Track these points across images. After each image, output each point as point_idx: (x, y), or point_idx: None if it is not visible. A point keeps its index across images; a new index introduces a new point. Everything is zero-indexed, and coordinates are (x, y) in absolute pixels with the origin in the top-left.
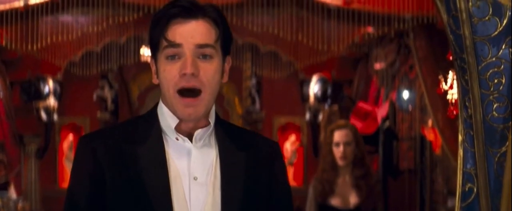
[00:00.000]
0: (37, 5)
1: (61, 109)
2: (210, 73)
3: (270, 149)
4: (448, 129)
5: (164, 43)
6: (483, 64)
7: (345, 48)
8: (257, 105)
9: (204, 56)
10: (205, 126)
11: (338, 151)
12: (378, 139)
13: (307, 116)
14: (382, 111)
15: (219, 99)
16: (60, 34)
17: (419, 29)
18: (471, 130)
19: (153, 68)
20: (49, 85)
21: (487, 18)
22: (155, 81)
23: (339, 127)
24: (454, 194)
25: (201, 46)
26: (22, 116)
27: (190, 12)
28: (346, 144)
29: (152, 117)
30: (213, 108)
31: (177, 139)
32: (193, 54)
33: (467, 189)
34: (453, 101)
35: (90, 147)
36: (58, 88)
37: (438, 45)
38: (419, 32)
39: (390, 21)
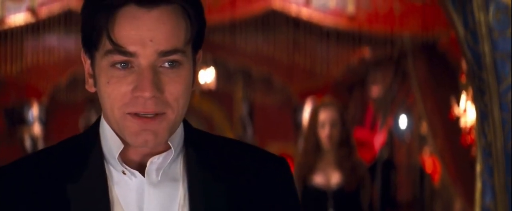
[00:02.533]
0: (19, 26)
1: (47, 135)
2: (178, 88)
3: (273, 173)
4: (448, 157)
5: (108, 45)
6: (504, 85)
7: (342, 72)
8: (249, 132)
9: (171, 64)
10: (164, 150)
11: (323, 133)
12: (375, 169)
13: (301, 145)
14: (379, 139)
15: (209, 125)
16: (42, 55)
17: (418, 51)
18: (490, 160)
19: (88, 70)
20: (34, 111)
21: (508, 32)
22: (91, 89)
23: (325, 105)
24: None
25: (165, 53)
26: (6, 143)
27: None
28: (332, 125)
29: (91, 138)
30: (181, 123)
31: (123, 172)
32: (154, 65)
33: None
34: (467, 127)
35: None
36: (43, 114)
37: (438, 68)
38: (418, 54)
39: (388, 42)
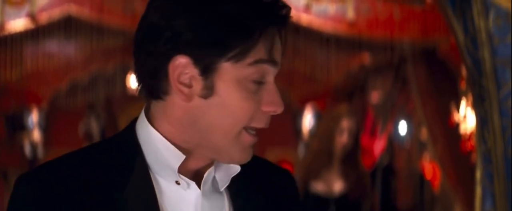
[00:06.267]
0: (19, 32)
1: (46, 141)
2: None
3: (289, 185)
4: (448, 163)
5: (260, 55)
6: (504, 91)
7: (342, 78)
8: None
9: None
10: (209, 160)
11: (341, 139)
12: (375, 175)
13: (301, 150)
14: (379, 145)
15: None
16: (42, 60)
17: (418, 57)
18: (490, 166)
19: (190, 78)
20: (34, 117)
21: (508, 38)
22: (188, 100)
23: (348, 115)
24: None
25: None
26: (6, 149)
27: (287, 19)
28: (350, 133)
29: (130, 146)
30: None
31: (177, 182)
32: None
33: None
34: (467, 133)
35: (38, 197)
36: (43, 120)
37: (438, 74)
38: (419, 60)
39: (388, 48)
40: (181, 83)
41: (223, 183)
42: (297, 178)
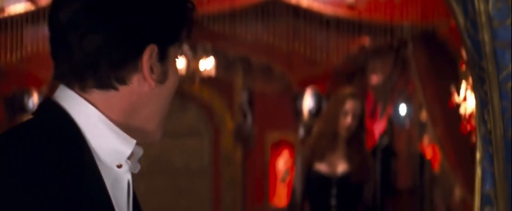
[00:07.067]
0: (19, 15)
1: None
2: None
3: None
4: (448, 145)
5: (184, 35)
6: (504, 73)
7: (342, 60)
8: (249, 121)
9: None
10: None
11: (344, 121)
12: (375, 156)
13: (301, 132)
14: (379, 127)
15: (209, 114)
16: (42, 43)
17: (418, 40)
18: (490, 147)
19: (152, 65)
20: (34, 99)
21: (508, 21)
22: (152, 86)
23: (352, 97)
24: None
25: None
26: None
27: None
28: (354, 115)
29: (71, 132)
30: None
31: (119, 166)
32: None
33: None
34: (467, 115)
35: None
36: None
37: (437, 57)
38: (418, 43)
39: (388, 31)
40: (150, 69)
41: (136, 165)
42: (301, 159)
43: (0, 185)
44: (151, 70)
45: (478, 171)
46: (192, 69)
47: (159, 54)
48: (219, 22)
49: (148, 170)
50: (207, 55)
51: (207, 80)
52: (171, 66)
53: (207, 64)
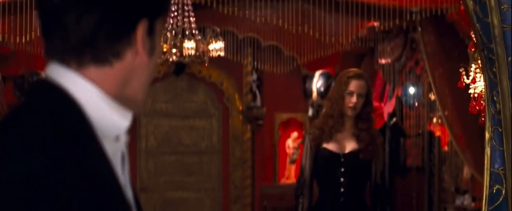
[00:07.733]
0: None
1: None
2: None
3: None
4: (457, 125)
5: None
6: None
7: (351, 42)
8: (258, 101)
9: None
10: None
11: (350, 101)
12: (384, 135)
13: (310, 112)
14: (388, 107)
15: (219, 95)
16: None
17: (427, 22)
18: (499, 127)
19: (144, 38)
20: None
21: None
22: (144, 58)
23: (357, 76)
24: (462, 192)
25: None
26: None
27: None
28: (359, 95)
29: (73, 110)
30: None
31: (117, 138)
32: None
33: (494, 190)
34: (476, 95)
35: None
36: None
37: (446, 39)
38: (427, 25)
39: (397, 14)
40: (144, 41)
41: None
42: (309, 139)
43: (12, 165)
44: (145, 44)
45: (487, 151)
46: (202, 50)
47: (148, 28)
48: (229, 4)
49: (157, 149)
50: (216, 37)
51: (216, 61)
52: (158, 40)
53: (216, 45)
